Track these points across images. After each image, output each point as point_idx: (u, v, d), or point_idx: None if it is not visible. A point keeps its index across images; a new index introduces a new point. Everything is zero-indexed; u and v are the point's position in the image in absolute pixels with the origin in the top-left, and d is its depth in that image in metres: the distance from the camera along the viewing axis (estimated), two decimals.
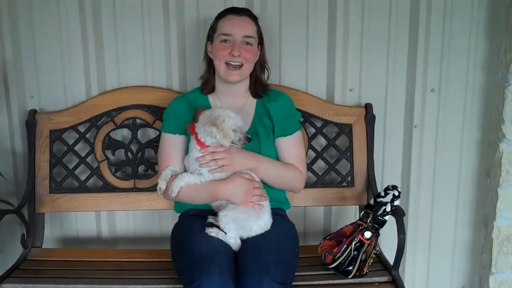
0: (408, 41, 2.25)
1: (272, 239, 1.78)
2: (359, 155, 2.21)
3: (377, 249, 1.93)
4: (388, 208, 1.89)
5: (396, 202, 1.89)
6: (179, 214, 2.03)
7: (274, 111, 1.96)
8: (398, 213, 1.88)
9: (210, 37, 1.97)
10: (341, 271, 1.88)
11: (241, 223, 1.79)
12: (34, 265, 2.05)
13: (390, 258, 1.94)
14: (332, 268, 1.89)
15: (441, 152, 2.34)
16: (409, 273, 2.44)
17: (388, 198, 1.93)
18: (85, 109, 2.21)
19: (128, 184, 2.22)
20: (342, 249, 1.87)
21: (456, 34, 2.23)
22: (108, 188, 2.22)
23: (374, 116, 2.21)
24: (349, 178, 2.22)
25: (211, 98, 2.01)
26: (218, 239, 1.76)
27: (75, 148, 2.22)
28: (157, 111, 2.19)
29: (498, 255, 2.23)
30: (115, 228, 2.40)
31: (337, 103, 2.27)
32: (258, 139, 1.91)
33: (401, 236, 1.85)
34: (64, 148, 2.22)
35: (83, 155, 2.22)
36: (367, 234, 1.88)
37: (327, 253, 1.93)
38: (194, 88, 2.08)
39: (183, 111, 1.96)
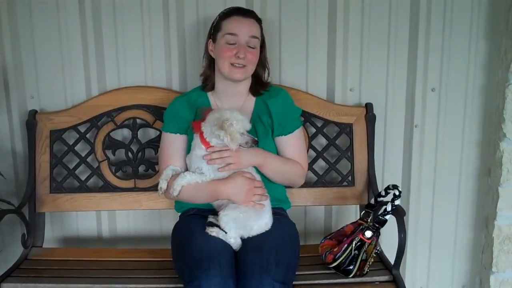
0: (408, 40, 2.25)
1: (272, 238, 1.78)
2: (359, 155, 2.21)
3: (377, 248, 1.93)
4: (389, 208, 1.89)
5: (397, 202, 1.89)
6: (179, 214, 2.03)
7: (274, 107, 1.96)
8: (399, 213, 1.88)
9: (212, 36, 1.96)
10: (342, 271, 1.88)
11: (241, 222, 1.79)
12: (35, 264, 2.06)
13: (391, 257, 1.94)
14: (333, 267, 1.89)
15: (441, 152, 2.34)
16: (409, 272, 2.44)
17: (389, 197, 1.93)
18: (85, 109, 2.21)
19: (129, 184, 2.22)
20: (343, 249, 1.87)
21: (456, 34, 2.23)
22: (108, 188, 2.22)
23: (374, 116, 2.21)
24: (349, 178, 2.22)
25: (211, 97, 2.01)
26: (218, 238, 1.76)
27: (76, 148, 2.22)
28: (157, 111, 2.19)
29: (499, 254, 2.23)
30: (116, 228, 2.40)
31: (337, 102, 2.27)
32: (257, 137, 1.91)
33: (402, 236, 1.84)
34: (64, 148, 2.22)
35: (83, 155, 2.22)
36: (368, 234, 1.88)
37: (327, 253, 1.92)
38: (194, 87, 2.08)
39: (184, 110, 1.96)
